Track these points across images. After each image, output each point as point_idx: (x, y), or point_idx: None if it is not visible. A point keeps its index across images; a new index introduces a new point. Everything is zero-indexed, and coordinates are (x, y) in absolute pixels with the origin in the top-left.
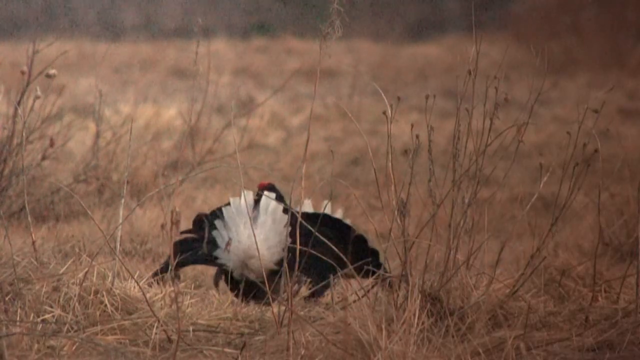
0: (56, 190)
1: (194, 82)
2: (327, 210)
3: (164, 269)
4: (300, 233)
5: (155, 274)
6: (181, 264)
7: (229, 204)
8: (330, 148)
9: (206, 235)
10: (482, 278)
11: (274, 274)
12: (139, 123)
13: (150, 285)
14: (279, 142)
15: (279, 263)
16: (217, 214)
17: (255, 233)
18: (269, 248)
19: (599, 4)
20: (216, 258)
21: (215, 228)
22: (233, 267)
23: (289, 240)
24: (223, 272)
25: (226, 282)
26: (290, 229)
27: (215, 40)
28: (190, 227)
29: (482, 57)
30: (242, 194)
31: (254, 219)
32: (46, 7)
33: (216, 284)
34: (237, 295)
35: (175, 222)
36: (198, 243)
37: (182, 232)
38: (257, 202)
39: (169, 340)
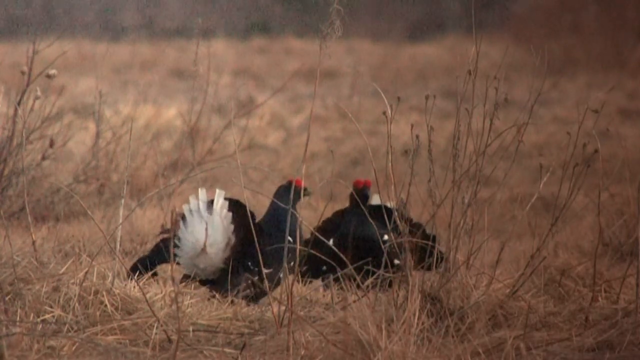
0: (56, 190)
1: (194, 83)
2: (375, 202)
3: (135, 267)
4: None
5: (133, 270)
6: (152, 263)
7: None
8: (330, 148)
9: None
10: (482, 278)
11: (225, 273)
12: (139, 123)
13: (149, 284)
14: (279, 142)
15: (228, 261)
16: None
17: (203, 231)
18: (212, 245)
19: (599, 4)
20: (175, 256)
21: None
22: (183, 264)
23: (234, 237)
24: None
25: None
26: (233, 227)
27: (215, 40)
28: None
29: (482, 57)
30: (198, 191)
31: (206, 218)
32: (46, 7)
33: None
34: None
35: (175, 222)
36: (166, 243)
37: (160, 233)
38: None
39: (169, 340)
